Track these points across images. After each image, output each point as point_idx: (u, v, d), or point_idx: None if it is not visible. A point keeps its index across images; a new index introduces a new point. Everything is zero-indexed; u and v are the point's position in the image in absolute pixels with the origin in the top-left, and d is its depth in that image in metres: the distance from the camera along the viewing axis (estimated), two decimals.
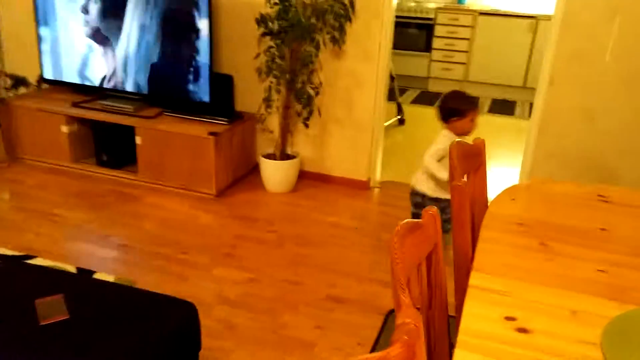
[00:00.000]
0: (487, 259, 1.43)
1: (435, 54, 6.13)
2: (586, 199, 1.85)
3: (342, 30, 3.17)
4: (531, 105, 6.04)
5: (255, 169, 3.79)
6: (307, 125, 3.41)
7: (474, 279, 1.33)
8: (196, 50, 3.34)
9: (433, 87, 6.31)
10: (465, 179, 1.58)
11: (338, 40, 3.17)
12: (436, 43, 6.09)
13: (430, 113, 5.76)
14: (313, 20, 3.12)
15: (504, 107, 5.84)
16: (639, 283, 1.35)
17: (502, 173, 4.13)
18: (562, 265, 1.42)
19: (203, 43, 3.31)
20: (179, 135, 3.35)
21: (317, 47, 3.20)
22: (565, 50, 3.07)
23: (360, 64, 3.38)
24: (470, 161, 1.64)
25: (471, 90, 6.16)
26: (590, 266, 1.42)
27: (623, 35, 2.95)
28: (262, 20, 3.14)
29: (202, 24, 3.28)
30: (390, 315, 2.44)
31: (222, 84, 3.46)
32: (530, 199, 1.82)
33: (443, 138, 2.64)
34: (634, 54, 2.96)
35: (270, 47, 3.20)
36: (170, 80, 3.47)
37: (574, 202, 1.82)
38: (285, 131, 3.47)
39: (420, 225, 1.16)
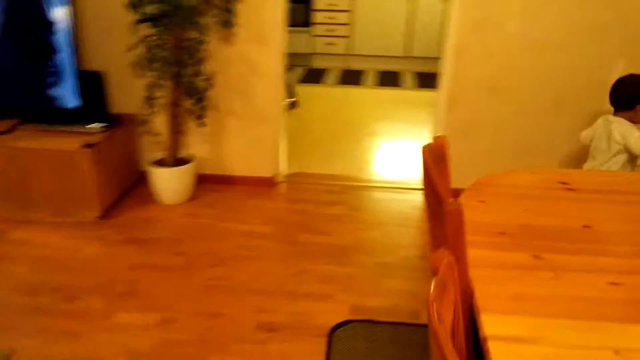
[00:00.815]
0: (489, 291, 1.16)
1: (317, 29, 5.83)
2: (549, 188, 1.66)
3: (231, 11, 2.73)
4: (417, 74, 6.06)
5: (142, 180, 3.25)
6: (202, 124, 2.95)
7: (488, 327, 1.05)
8: (56, 46, 2.71)
9: (318, 63, 6.04)
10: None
11: (229, 23, 2.73)
12: (316, 17, 5.79)
13: (322, 91, 5.53)
14: (197, 1, 2.64)
15: (389, 79, 5.74)
16: None
17: (409, 148, 3.98)
18: (570, 284, 1.19)
19: (63, 36, 2.69)
20: (43, 152, 2.72)
21: (205, 33, 2.73)
22: (468, 19, 2.91)
23: (255, 48, 2.97)
24: (439, 167, 1.35)
25: (356, 64, 6.03)
26: (600, 279, 1.21)
27: (526, 2, 2.84)
28: (134, 4, 2.59)
29: (61, 13, 2.65)
30: (334, 333, 2.14)
31: (92, 84, 2.87)
32: (497, 198, 1.59)
33: (630, 126, 2.40)
34: (537, 21, 2.87)
35: (148, 35, 2.68)
36: (25, 84, 2.80)
37: (540, 195, 1.62)
38: (176, 132, 2.98)
39: (444, 284, 0.84)
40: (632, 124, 2.42)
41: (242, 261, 2.59)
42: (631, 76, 2.47)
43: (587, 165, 2.65)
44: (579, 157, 3.13)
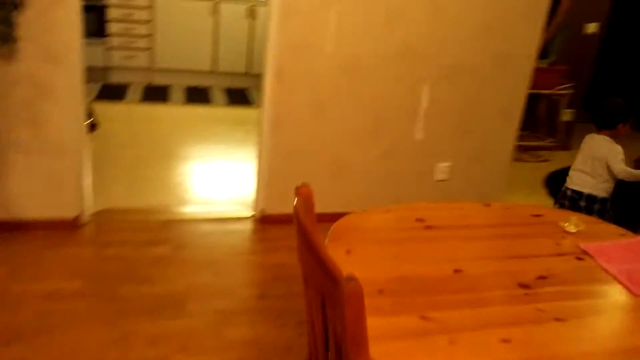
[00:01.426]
0: None
1: (113, 40, 5.25)
2: (409, 229, 1.58)
3: (10, 23, 2.20)
4: (226, 90, 5.82)
5: None
6: None
7: None
8: None
9: (116, 78, 5.44)
10: None
11: (9, 37, 2.19)
12: (111, 28, 5.21)
13: (123, 110, 4.95)
14: None
15: (198, 95, 5.42)
16: (544, 348, 1.12)
17: (229, 171, 3.73)
18: (467, 349, 1.09)
19: None
20: None
21: None
22: (287, 41, 2.80)
23: (46, 66, 2.45)
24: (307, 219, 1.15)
25: (161, 79, 5.57)
26: (491, 337, 1.14)
27: (342, 24, 2.82)
28: None
29: None
30: None
31: None
32: (362, 245, 1.45)
33: (611, 144, 2.68)
34: (351, 44, 2.88)
35: None
36: None
37: (404, 237, 1.53)
38: None
39: None
40: (618, 148, 2.68)
41: (46, 333, 2.08)
42: (612, 99, 2.79)
43: (582, 181, 2.79)
44: (389, 178, 3.22)
